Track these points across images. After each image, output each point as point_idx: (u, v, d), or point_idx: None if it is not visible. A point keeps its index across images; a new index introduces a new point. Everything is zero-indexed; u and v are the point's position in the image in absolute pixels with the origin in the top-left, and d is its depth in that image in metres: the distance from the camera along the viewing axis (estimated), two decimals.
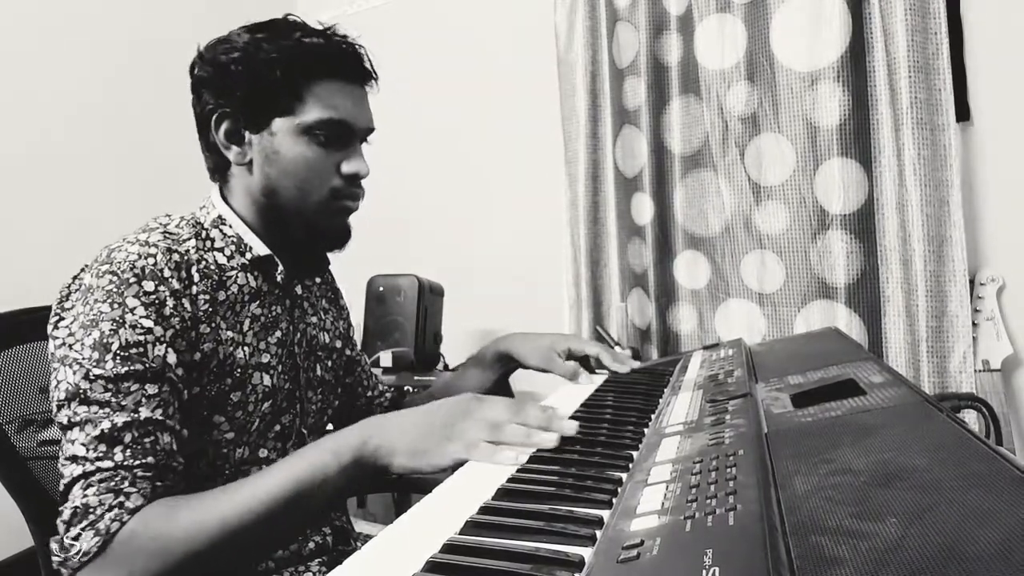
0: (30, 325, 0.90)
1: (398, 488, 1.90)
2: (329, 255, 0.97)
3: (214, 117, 0.81)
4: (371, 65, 0.86)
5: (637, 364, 1.09)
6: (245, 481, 0.67)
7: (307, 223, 0.84)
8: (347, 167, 0.84)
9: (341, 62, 0.83)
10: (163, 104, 2.01)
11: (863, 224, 1.50)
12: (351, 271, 1.94)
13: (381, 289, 1.90)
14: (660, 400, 0.88)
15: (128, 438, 0.66)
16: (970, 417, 1.34)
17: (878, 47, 1.44)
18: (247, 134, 0.81)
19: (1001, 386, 1.41)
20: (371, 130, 0.88)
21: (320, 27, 0.84)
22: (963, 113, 1.45)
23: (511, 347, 1.10)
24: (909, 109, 1.41)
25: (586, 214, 1.89)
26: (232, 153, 0.82)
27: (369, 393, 1.11)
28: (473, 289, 2.13)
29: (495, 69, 2.14)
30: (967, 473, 0.42)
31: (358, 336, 1.89)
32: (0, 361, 0.91)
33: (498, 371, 1.12)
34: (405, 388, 1.25)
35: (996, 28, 1.42)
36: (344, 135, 0.83)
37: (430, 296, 1.91)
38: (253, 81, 0.79)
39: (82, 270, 0.76)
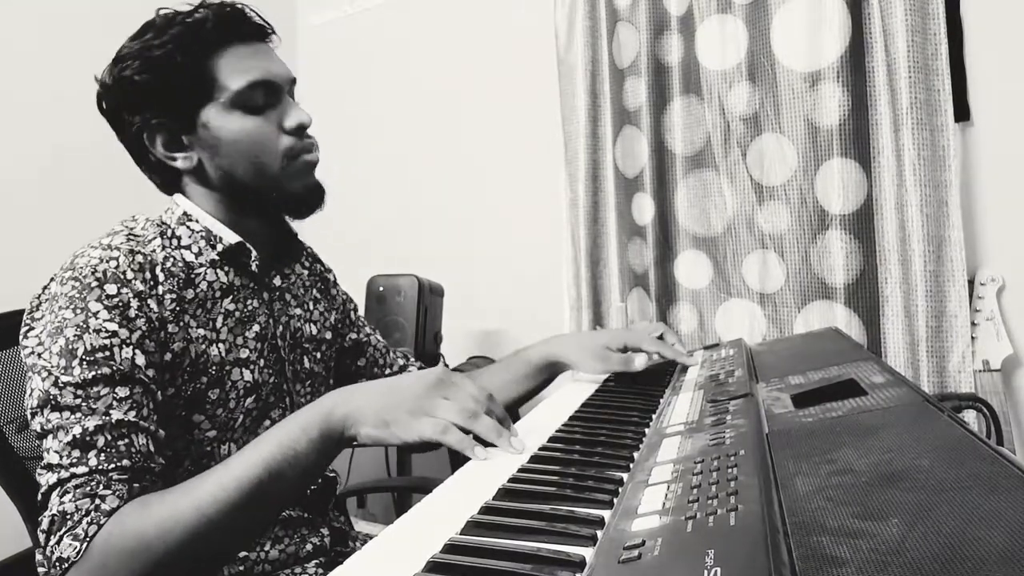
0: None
1: (398, 488, 1.90)
2: (326, 255, 0.97)
3: (145, 135, 0.80)
4: (261, 19, 0.84)
5: (693, 361, 1.03)
6: (216, 468, 0.66)
7: (277, 193, 0.83)
8: (289, 122, 0.82)
9: (229, 28, 0.80)
10: None
11: (862, 224, 1.50)
12: (351, 271, 1.94)
13: (381, 289, 1.90)
14: (661, 400, 0.88)
15: (101, 442, 0.65)
16: (969, 417, 1.34)
17: (878, 47, 1.44)
18: (184, 138, 0.80)
19: (1001, 386, 1.41)
20: (293, 80, 0.85)
21: (190, 7, 0.81)
22: (963, 113, 1.45)
23: (562, 352, 1.05)
24: (909, 110, 1.41)
25: (586, 214, 1.89)
26: (179, 162, 0.81)
27: (387, 372, 1.07)
28: (473, 289, 2.13)
29: (495, 69, 2.14)
30: (969, 474, 0.41)
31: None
32: (0, 360, 0.91)
33: (543, 379, 1.08)
34: None
35: (996, 28, 1.42)
36: (270, 93, 0.81)
37: (430, 296, 1.90)
38: (161, 81, 0.77)
39: (51, 279, 0.75)
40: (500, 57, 2.13)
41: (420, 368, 1.10)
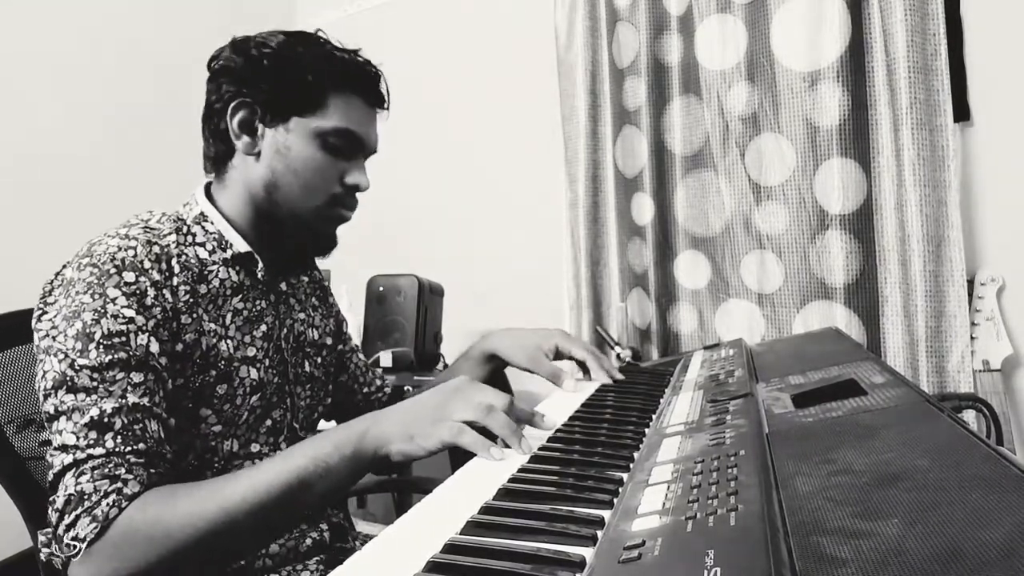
0: (31, 325, 0.90)
1: (398, 488, 1.90)
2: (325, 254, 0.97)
3: (232, 104, 0.82)
4: (387, 92, 0.90)
5: (620, 376, 1.05)
6: (246, 471, 0.68)
7: (300, 224, 0.86)
8: (350, 178, 0.86)
9: (364, 81, 0.87)
10: (163, 105, 2.00)
11: (862, 224, 1.50)
12: (351, 271, 1.94)
13: (381, 289, 1.90)
14: (661, 400, 0.88)
15: (118, 424, 0.66)
16: (969, 417, 1.35)
17: (877, 47, 1.44)
18: (260, 126, 0.83)
19: (1001, 386, 1.41)
20: (375, 151, 0.91)
21: (345, 48, 0.87)
22: (963, 113, 1.45)
23: (497, 345, 1.09)
24: (908, 110, 1.41)
25: (586, 214, 1.89)
26: (242, 143, 0.83)
27: (365, 389, 1.10)
28: (473, 289, 2.13)
29: (495, 69, 2.14)
30: (969, 474, 0.41)
31: (358, 336, 1.90)
32: (1, 361, 0.91)
33: (487, 370, 1.11)
34: (405, 388, 1.24)
35: (996, 28, 1.42)
36: (353, 147, 0.86)
37: (430, 296, 1.90)
38: (282, 76, 0.81)
39: (64, 266, 0.76)
40: (500, 57, 2.13)
41: (391, 393, 1.15)
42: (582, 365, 1.08)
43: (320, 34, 0.86)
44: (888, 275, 1.48)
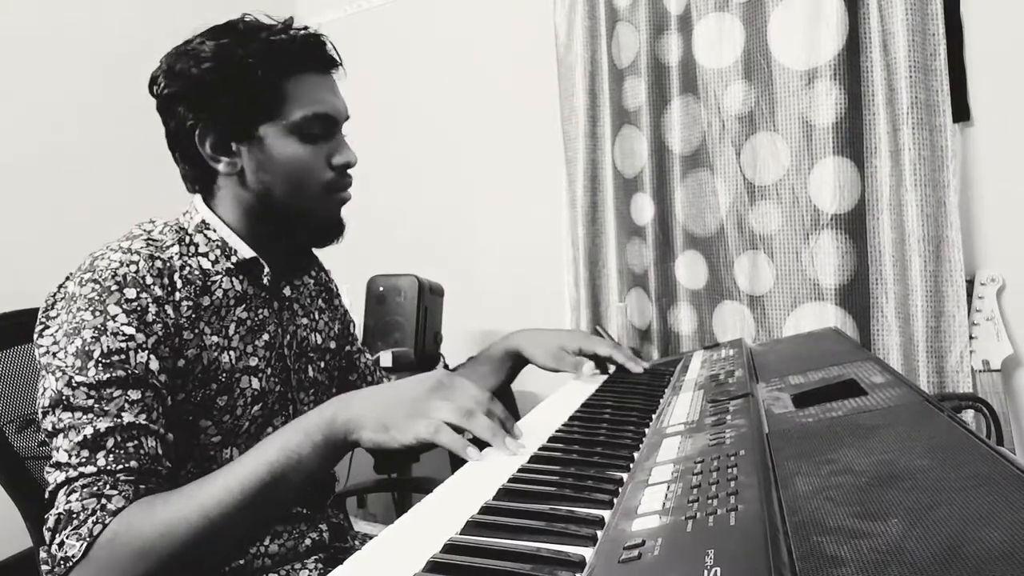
0: (31, 325, 0.90)
1: (398, 488, 1.91)
2: (326, 256, 0.97)
3: (197, 132, 0.79)
4: (336, 52, 0.86)
5: (647, 364, 1.06)
6: (221, 471, 0.67)
7: (305, 220, 0.85)
8: (338, 159, 0.84)
9: (311, 54, 0.82)
10: None
11: (857, 224, 1.50)
12: (351, 271, 1.94)
13: (381, 289, 1.90)
14: (661, 400, 0.88)
15: (111, 443, 0.66)
16: (969, 417, 1.35)
17: (875, 46, 1.44)
18: (234, 144, 0.80)
19: (1001, 386, 1.41)
20: (347, 118, 0.88)
21: (276, 23, 0.82)
22: (963, 113, 1.45)
23: (521, 344, 1.10)
24: (908, 110, 1.41)
25: (585, 214, 1.89)
26: (222, 165, 0.81)
27: None
28: (473, 289, 2.13)
29: (495, 69, 2.14)
30: (969, 474, 0.42)
31: (358, 336, 1.90)
32: (0, 360, 0.91)
33: (508, 370, 1.12)
34: None
35: (996, 28, 1.42)
36: (328, 127, 0.84)
37: (430, 296, 1.90)
38: (233, 89, 0.78)
39: (67, 279, 0.76)
40: (500, 57, 2.13)
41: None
42: (608, 361, 1.08)
43: (247, 18, 0.82)
44: (879, 275, 1.48)
